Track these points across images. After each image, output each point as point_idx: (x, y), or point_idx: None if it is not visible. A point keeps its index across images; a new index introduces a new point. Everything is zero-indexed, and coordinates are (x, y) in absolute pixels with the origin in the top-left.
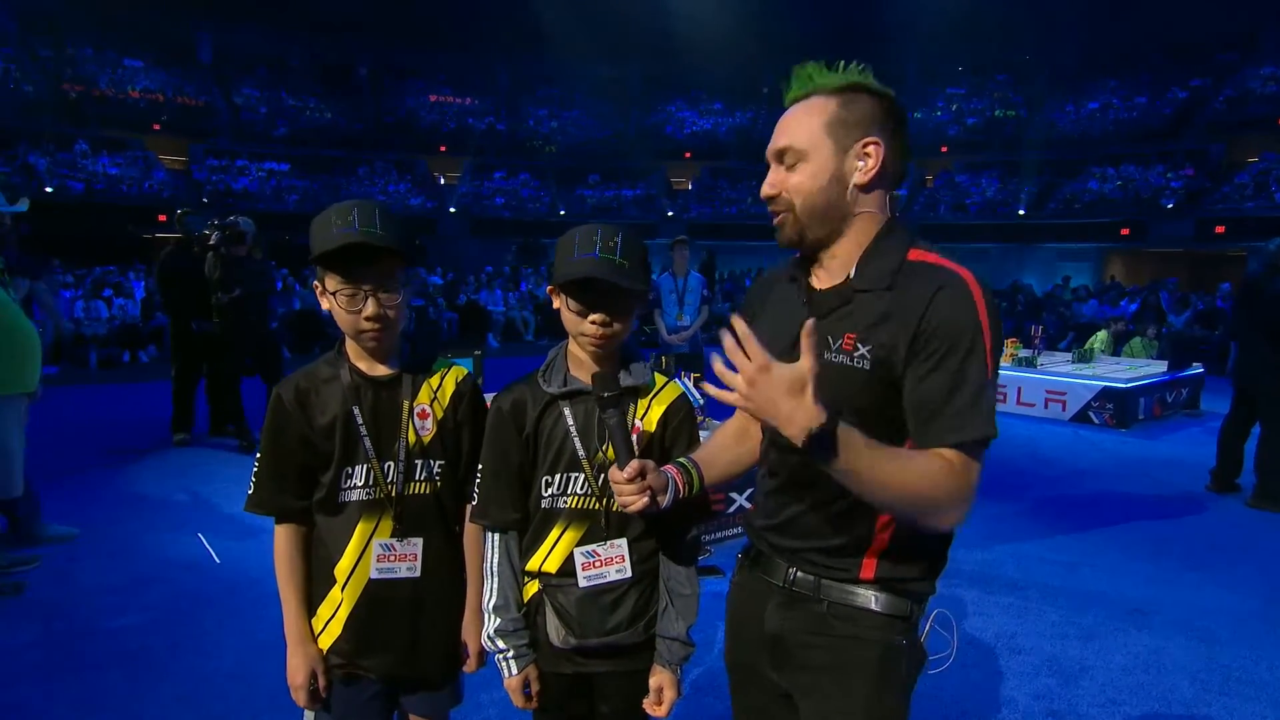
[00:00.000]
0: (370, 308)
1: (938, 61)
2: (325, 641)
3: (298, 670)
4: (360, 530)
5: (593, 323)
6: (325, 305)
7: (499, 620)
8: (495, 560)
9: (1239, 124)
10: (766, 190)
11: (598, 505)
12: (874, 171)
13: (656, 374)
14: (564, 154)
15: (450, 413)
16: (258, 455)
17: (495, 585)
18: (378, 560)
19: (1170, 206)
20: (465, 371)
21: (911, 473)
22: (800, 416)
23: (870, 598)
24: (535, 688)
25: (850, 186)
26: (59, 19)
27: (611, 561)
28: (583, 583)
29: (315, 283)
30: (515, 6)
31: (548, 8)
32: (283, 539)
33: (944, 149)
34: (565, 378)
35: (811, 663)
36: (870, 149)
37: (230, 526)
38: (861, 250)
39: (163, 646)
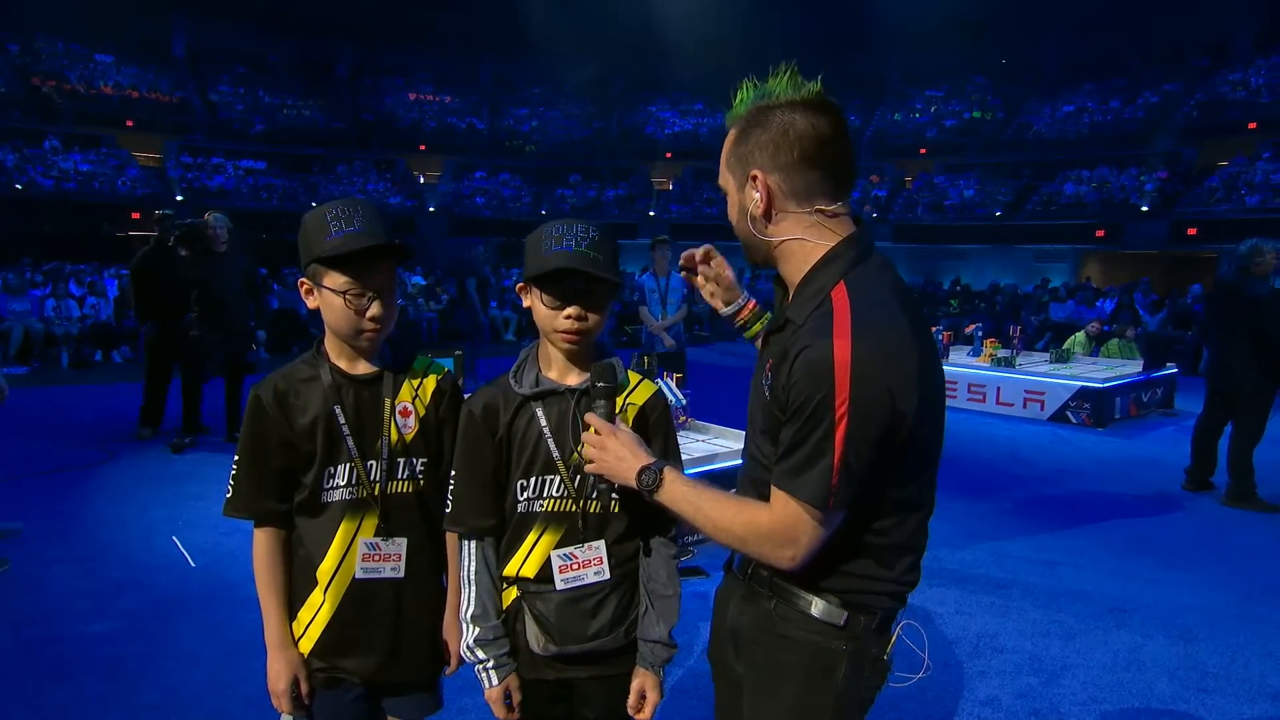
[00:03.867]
0: (375, 309)
1: (917, 63)
2: (306, 645)
3: (279, 676)
4: (343, 530)
5: (567, 317)
6: (314, 304)
7: (478, 630)
8: (472, 568)
9: (1211, 128)
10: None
11: (574, 507)
12: (763, 204)
13: (631, 372)
14: (545, 153)
15: (432, 410)
16: (236, 457)
17: (473, 594)
18: (363, 560)
19: (1145, 209)
20: (446, 369)
21: (729, 518)
22: (626, 467)
23: (810, 602)
24: (516, 698)
25: (750, 218)
26: (27, 13)
27: (589, 564)
28: (560, 586)
29: (303, 280)
30: (497, 5)
31: (529, 6)
32: (262, 542)
33: (923, 151)
34: (537, 378)
35: (755, 657)
36: (755, 181)
37: (205, 529)
38: (802, 274)
39: (137, 653)
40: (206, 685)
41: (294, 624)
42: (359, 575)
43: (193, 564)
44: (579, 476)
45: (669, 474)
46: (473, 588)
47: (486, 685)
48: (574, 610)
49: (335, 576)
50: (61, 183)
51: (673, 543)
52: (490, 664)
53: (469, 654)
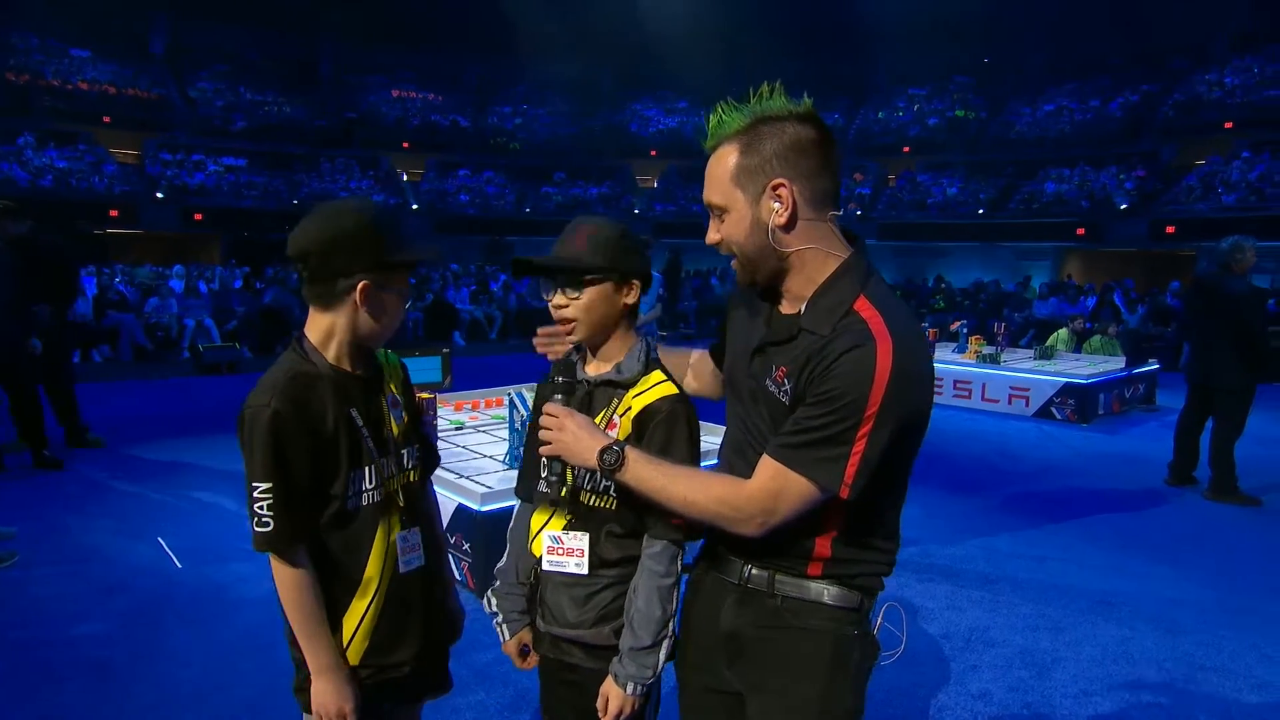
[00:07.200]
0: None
1: (900, 62)
2: (355, 654)
3: (348, 696)
4: (381, 530)
5: (553, 306)
6: (364, 307)
7: (498, 582)
8: (511, 527)
9: (1188, 128)
10: (709, 239)
11: (564, 493)
12: (787, 212)
13: (657, 371)
14: (529, 151)
15: (408, 397)
16: (262, 485)
17: (508, 550)
18: (401, 555)
19: (1124, 207)
20: (399, 358)
21: (698, 490)
22: (584, 447)
23: (821, 591)
24: (533, 650)
25: (771, 230)
26: (1, 7)
27: (571, 553)
28: (545, 567)
29: (365, 283)
30: (481, 3)
31: (514, 5)
32: (300, 571)
33: (906, 149)
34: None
35: (765, 656)
36: (780, 190)
37: (191, 530)
38: (814, 286)
39: (127, 655)
40: (197, 687)
41: (338, 636)
42: (402, 570)
43: (179, 565)
44: (568, 466)
45: (632, 452)
46: (509, 544)
47: (501, 640)
48: (567, 594)
49: (382, 578)
50: (37, 180)
51: (665, 561)
52: (501, 618)
53: (487, 605)
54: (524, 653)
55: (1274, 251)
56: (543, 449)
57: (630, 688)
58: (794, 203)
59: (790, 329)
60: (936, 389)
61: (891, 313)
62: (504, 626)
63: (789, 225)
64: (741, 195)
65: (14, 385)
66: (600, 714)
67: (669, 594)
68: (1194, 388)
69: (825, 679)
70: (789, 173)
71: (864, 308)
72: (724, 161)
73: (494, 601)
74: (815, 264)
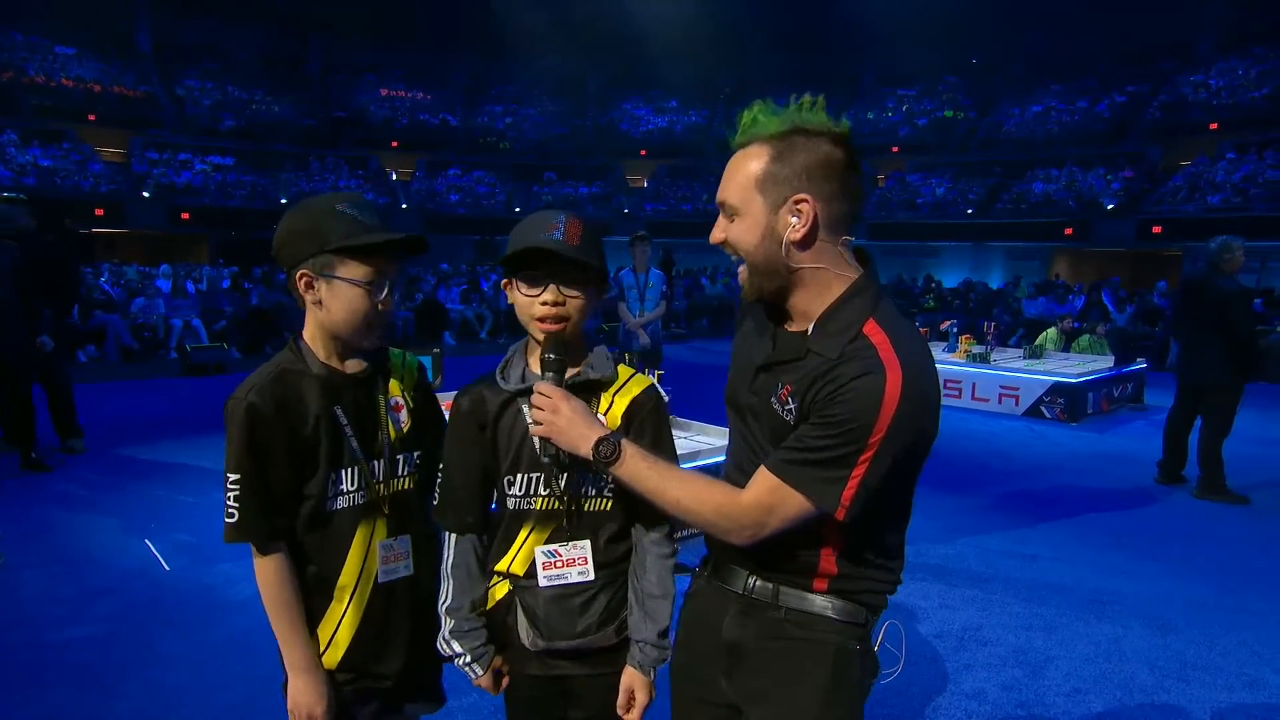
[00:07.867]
0: (390, 300)
1: (890, 63)
2: (331, 659)
3: (318, 699)
4: (360, 536)
5: (544, 303)
6: (314, 297)
7: (453, 622)
8: (450, 563)
9: (1174, 129)
10: (713, 237)
11: (560, 505)
12: (805, 229)
13: (622, 367)
14: (519, 151)
15: (420, 401)
16: (234, 476)
17: (450, 588)
18: (383, 562)
19: (1111, 207)
20: (417, 360)
21: (694, 495)
22: (579, 434)
23: (826, 605)
24: (505, 670)
25: (785, 243)
26: None
27: (573, 563)
28: (543, 582)
29: (304, 273)
30: (471, 1)
31: (504, 3)
32: (273, 564)
33: (895, 149)
34: (523, 374)
35: (766, 668)
36: (801, 206)
37: (178, 532)
38: (822, 305)
39: (115, 658)
40: (185, 691)
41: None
42: (382, 578)
43: (167, 568)
44: (564, 475)
45: (628, 446)
46: (450, 581)
47: (473, 677)
48: (562, 606)
49: (359, 584)
50: (20, 178)
51: (668, 542)
52: (468, 658)
53: (445, 647)
54: (498, 679)
55: (1259, 251)
56: (534, 429)
57: (652, 674)
58: (813, 221)
59: (797, 349)
60: None
61: (901, 338)
62: (474, 665)
63: (803, 243)
64: (761, 201)
65: (10, 386)
66: (622, 711)
67: (674, 573)
68: (1183, 387)
69: (827, 691)
70: (814, 190)
71: (873, 331)
72: (750, 162)
73: (454, 644)
74: (822, 283)
